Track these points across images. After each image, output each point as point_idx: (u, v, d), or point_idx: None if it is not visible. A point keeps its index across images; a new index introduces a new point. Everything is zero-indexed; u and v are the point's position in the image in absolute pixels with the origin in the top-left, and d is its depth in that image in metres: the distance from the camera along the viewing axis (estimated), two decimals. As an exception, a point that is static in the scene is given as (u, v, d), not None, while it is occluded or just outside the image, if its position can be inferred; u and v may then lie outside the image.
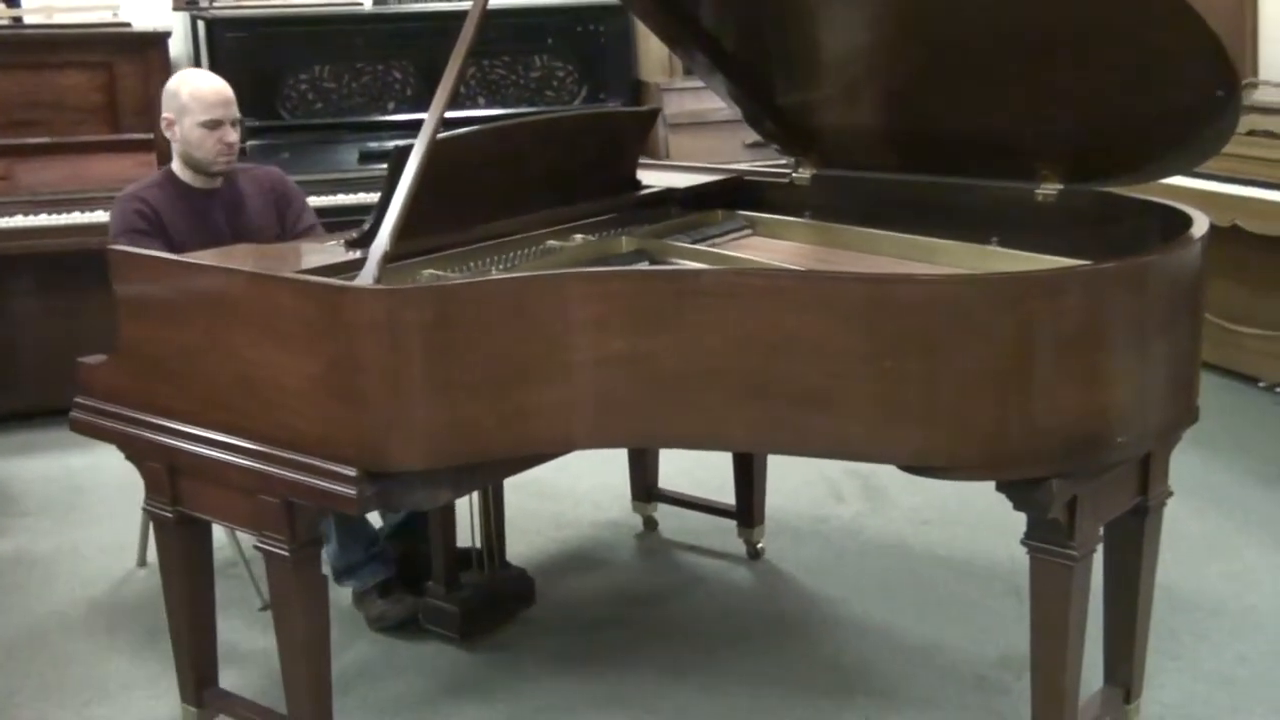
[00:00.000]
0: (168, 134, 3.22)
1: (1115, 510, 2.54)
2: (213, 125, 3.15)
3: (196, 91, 3.17)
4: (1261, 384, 4.74)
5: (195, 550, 2.74)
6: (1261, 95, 4.83)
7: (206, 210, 3.23)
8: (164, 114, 3.21)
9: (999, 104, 2.73)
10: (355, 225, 2.69)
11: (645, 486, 3.84)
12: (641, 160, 3.32)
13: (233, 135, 3.20)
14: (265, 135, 4.98)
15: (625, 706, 2.95)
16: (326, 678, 2.61)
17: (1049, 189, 2.78)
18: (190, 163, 3.22)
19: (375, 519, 3.36)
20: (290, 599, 2.52)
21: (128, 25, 5.15)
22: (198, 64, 5.22)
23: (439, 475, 2.38)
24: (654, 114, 3.40)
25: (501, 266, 2.77)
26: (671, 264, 2.80)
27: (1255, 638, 3.17)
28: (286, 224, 3.34)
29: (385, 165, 2.55)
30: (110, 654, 3.25)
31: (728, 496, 3.70)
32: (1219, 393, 4.68)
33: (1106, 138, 2.67)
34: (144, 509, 2.72)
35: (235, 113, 3.21)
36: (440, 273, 2.62)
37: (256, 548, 2.52)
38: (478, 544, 3.27)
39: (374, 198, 4.29)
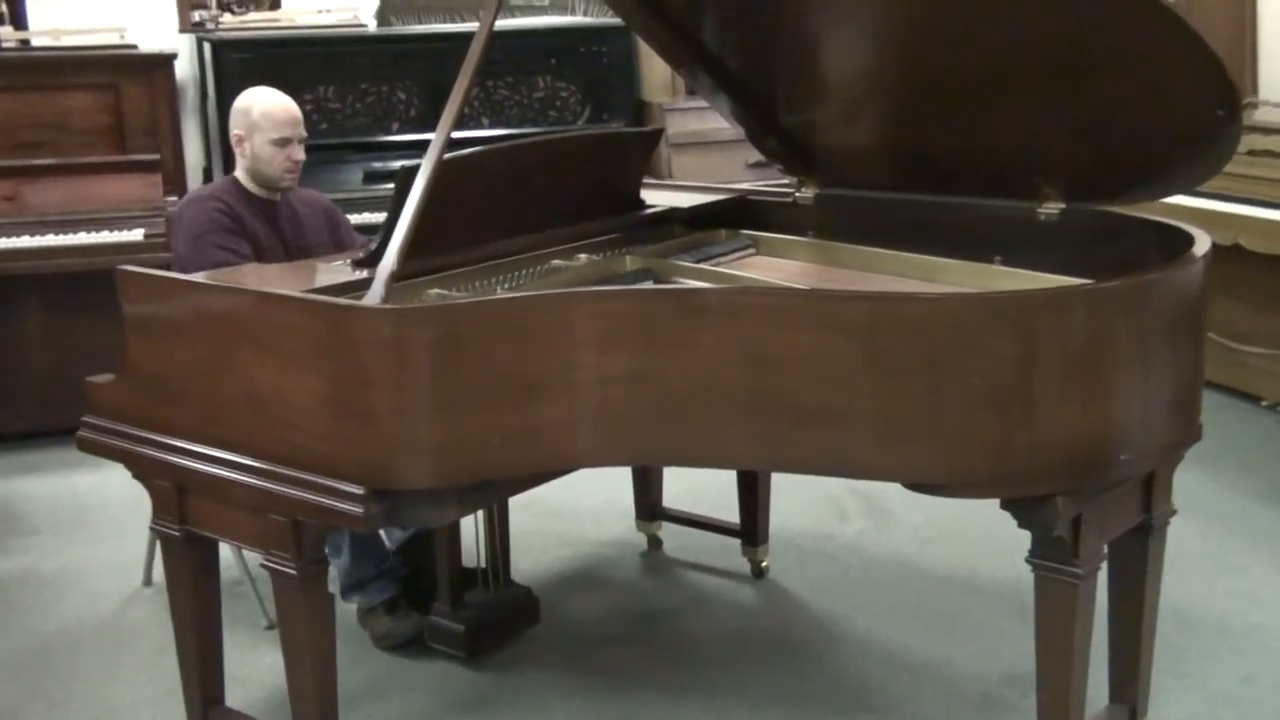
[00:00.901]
0: (237, 150, 3.30)
1: (1119, 528, 2.55)
2: (282, 143, 3.24)
3: (267, 110, 3.25)
4: (1264, 403, 4.75)
5: (202, 569, 2.75)
6: (1262, 115, 4.85)
7: (274, 219, 3.32)
8: (234, 130, 3.29)
9: (1001, 124, 2.74)
10: (363, 238, 2.71)
11: (649, 505, 3.85)
12: (645, 180, 3.33)
13: (300, 153, 3.28)
14: (271, 156, 4.99)
15: (630, 725, 2.96)
16: (332, 696, 2.61)
17: (1051, 208, 2.80)
18: (258, 178, 3.30)
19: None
20: (297, 617, 2.53)
21: (134, 47, 5.17)
22: (203, 86, 5.26)
23: (445, 493, 2.38)
24: (658, 134, 3.42)
25: (507, 286, 2.78)
26: (675, 283, 2.81)
27: (1261, 656, 3.16)
28: (344, 245, 3.40)
29: (389, 185, 2.58)
30: (117, 672, 3.25)
31: (732, 515, 3.71)
32: (1221, 411, 4.69)
33: (1108, 157, 2.68)
34: (151, 528, 2.73)
35: (303, 131, 3.29)
36: (446, 292, 2.64)
37: (263, 566, 2.53)
38: (483, 563, 3.27)
39: (378, 217, 4.31)
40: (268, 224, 3.30)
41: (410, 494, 2.35)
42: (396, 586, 3.29)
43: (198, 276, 2.66)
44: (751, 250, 3.19)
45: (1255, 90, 5.17)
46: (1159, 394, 2.38)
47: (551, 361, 2.31)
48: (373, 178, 4.99)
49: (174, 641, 2.82)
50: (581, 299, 2.35)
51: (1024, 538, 2.42)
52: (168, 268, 3.21)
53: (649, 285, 2.79)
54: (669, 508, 3.87)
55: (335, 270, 2.70)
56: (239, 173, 3.33)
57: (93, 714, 3.07)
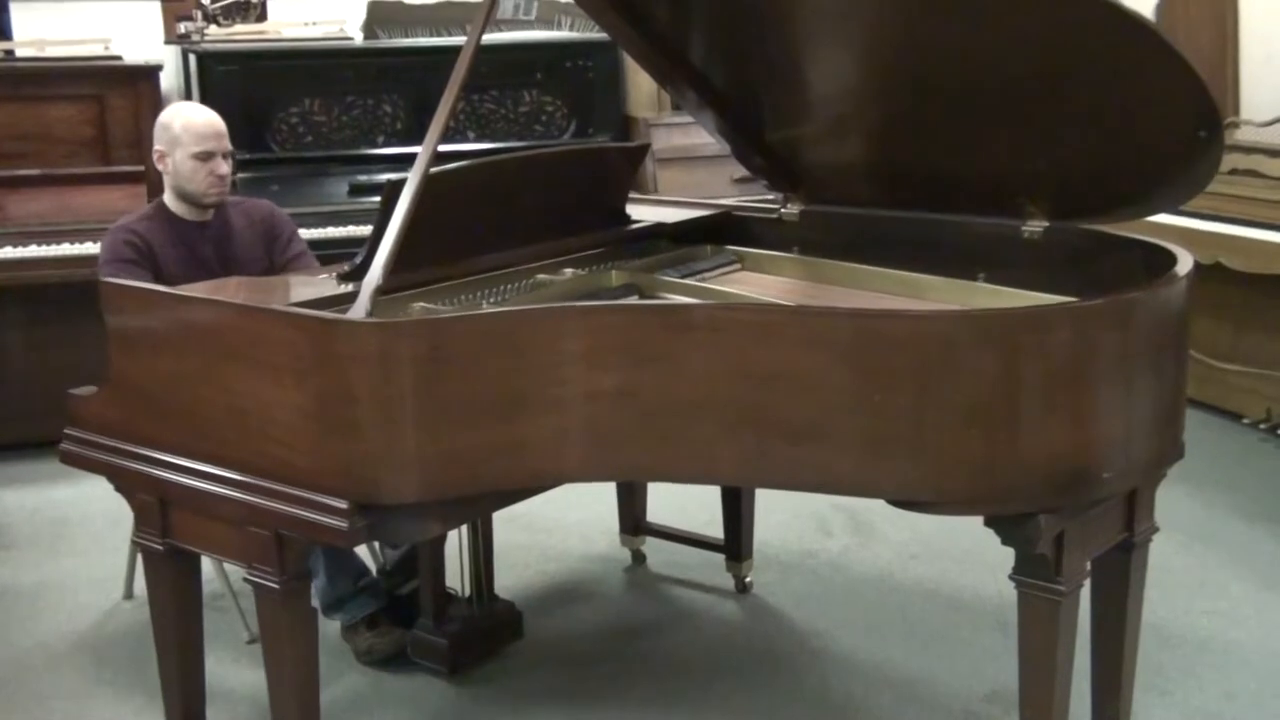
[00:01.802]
0: (160, 166, 3.24)
1: (1102, 545, 2.56)
2: (205, 157, 3.18)
3: (189, 124, 3.19)
4: (1245, 420, 4.77)
5: (184, 583, 2.74)
6: (1243, 135, 4.88)
7: (196, 242, 3.25)
8: (156, 147, 3.23)
9: (986, 142, 2.76)
10: (345, 258, 2.71)
11: (633, 520, 3.84)
12: (631, 195, 3.34)
13: (224, 167, 3.22)
14: (255, 168, 4.99)
15: (613, 741, 2.95)
16: (314, 711, 2.60)
17: (1035, 226, 2.81)
18: (182, 195, 3.24)
19: (364, 554, 3.35)
20: (279, 631, 2.52)
21: (119, 59, 5.17)
22: (188, 97, 5.24)
23: (429, 508, 2.38)
24: (644, 149, 3.43)
25: (492, 300, 2.78)
26: (661, 298, 2.81)
27: (1242, 674, 3.17)
28: (274, 256, 3.36)
29: (375, 198, 2.58)
30: (96, 687, 3.23)
31: (716, 530, 3.71)
32: (1203, 429, 4.70)
33: (1092, 176, 2.70)
34: (133, 541, 2.72)
35: (227, 145, 3.23)
36: (431, 306, 2.63)
37: (246, 580, 2.52)
38: (466, 577, 3.26)
39: (363, 230, 4.30)
40: (189, 249, 3.22)
41: (394, 509, 2.34)
42: (378, 602, 3.27)
43: (182, 289, 2.65)
44: (737, 266, 3.20)
45: (1236, 110, 5.20)
46: (1141, 412, 2.40)
47: (537, 376, 2.31)
48: (358, 190, 4.98)
49: (155, 656, 2.81)
50: (567, 314, 2.35)
51: (1007, 555, 2.42)
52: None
53: (634, 300, 2.79)
54: (653, 523, 3.86)
55: (320, 283, 2.70)
56: (165, 194, 3.27)
57: (72, 728, 3.06)
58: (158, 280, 3.08)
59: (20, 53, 5.17)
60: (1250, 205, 4.62)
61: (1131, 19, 2.29)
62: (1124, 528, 2.60)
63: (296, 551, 2.46)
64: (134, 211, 3.34)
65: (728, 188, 5.09)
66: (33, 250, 4.62)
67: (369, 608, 3.26)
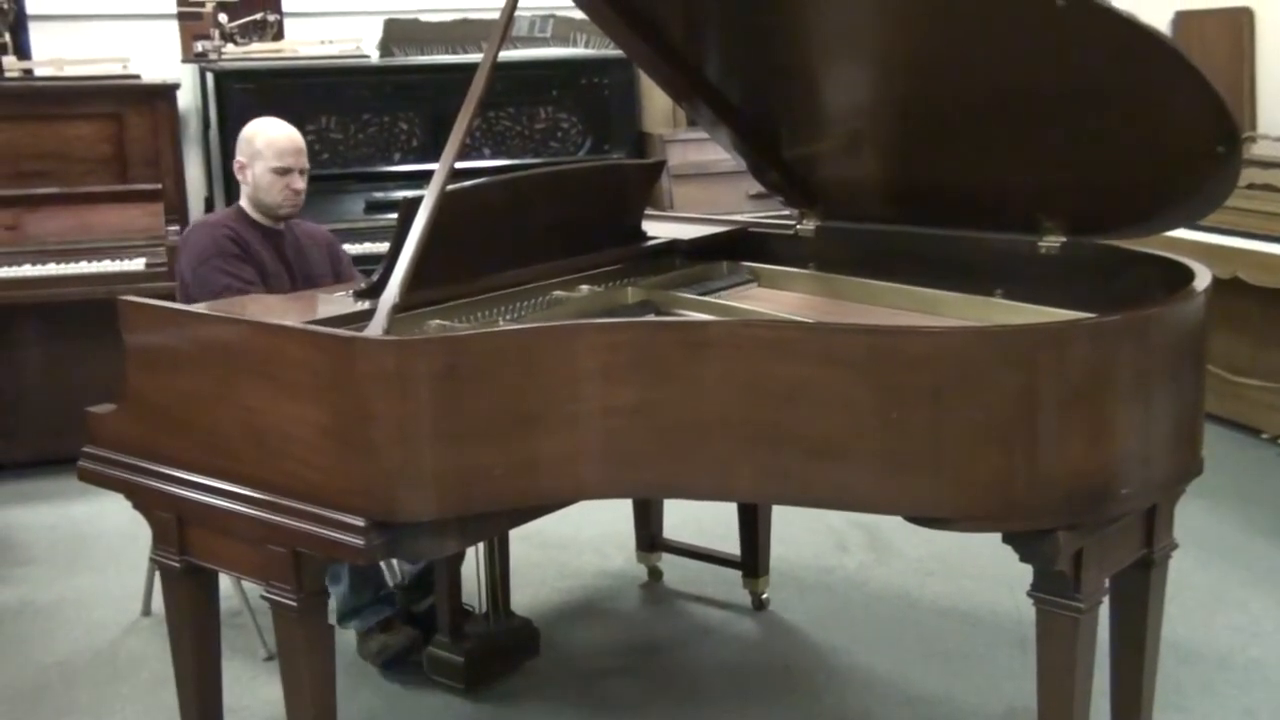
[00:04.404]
0: (239, 177, 3.35)
1: (1121, 562, 2.54)
2: (283, 172, 3.28)
3: (271, 139, 3.30)
4: (1264, 435, 4.75)
5: (202, 600, 2.74)
6: (1260, 149, 4.87)
7: (280, 246, 3.36)
8: (238, 158, 3.35)
9: (1002, 157, 2.76)
10: (362, 275, 2.71)
11: (650, 536, 3.84)
12: (647, 211, 3.34)
13: (300, 183, 3.32)
14: (272, 185, 5.00)
15: (630, 758, 2.95)
16: (332, 728, 2.60)
17: (1052, 241, 2.80)
18: (259, 206, 3.34)
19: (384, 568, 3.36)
20: (296, 649, 2.52)
21: (137, 77, 5.19)
22: (206, 116, 5.28)
23: (447, 525, 2.38)
24: (660, 166, 3.43)
25: (509, 317, 2.79)
26: (677, 315, 2.81)
27: (1262, 691, 3.15)
28: (343, 278, 3.42)
29: (391, 215, 2.59)
30: (115, 704, 3.24)
31: (732, 546, 3.70)
32: (1222, 444, 4.68)
33: (1109, 191, 2.69)
34: (151, 558, 2.73)
35: (305, 162, 3.33)
36: (448, 323, 2.64)
37: (264, 597, 2.52)
38: (483, 594, 3.26)
39: (380, 247, 4.31)
40: (274, 251, 3.33)
41: (411, 526, 2.34)
42: (390, 609, 3.29)
43: (199, 307, 2.66)
44: (753, 282, 3.20)
45: (1254, 125, 5.20)
46: (1160, 428, 2.38)
47: (554, 393, 2.31)
48: (375, 208, 5.00)
49: (172, 672, 2.81)
50: (584, 331, 2.35)
51: (1025, 571, 2.41)
52: (170, 297, 3.22)
53: (651, 317, 2.79)
54: (669, 539, 3.86)
55: (337, 301, 2.70)
56: (243, 201, 3.37)
57: (90, 745, 3.07)
58: (259, 275, 3.21)
59: (39, 72, 5.19)
60: (1268, 220, 4.61)
61: (1149, 35, 2.29)
62: (1143, 544, 2.58)
63: (314, 569, 2.46)
64: (210, 214, 3.41)
65: (743, 204, 5.10)
66: (51, 268, 4.64)
67: (383, 614, 3.28)
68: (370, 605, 3.27)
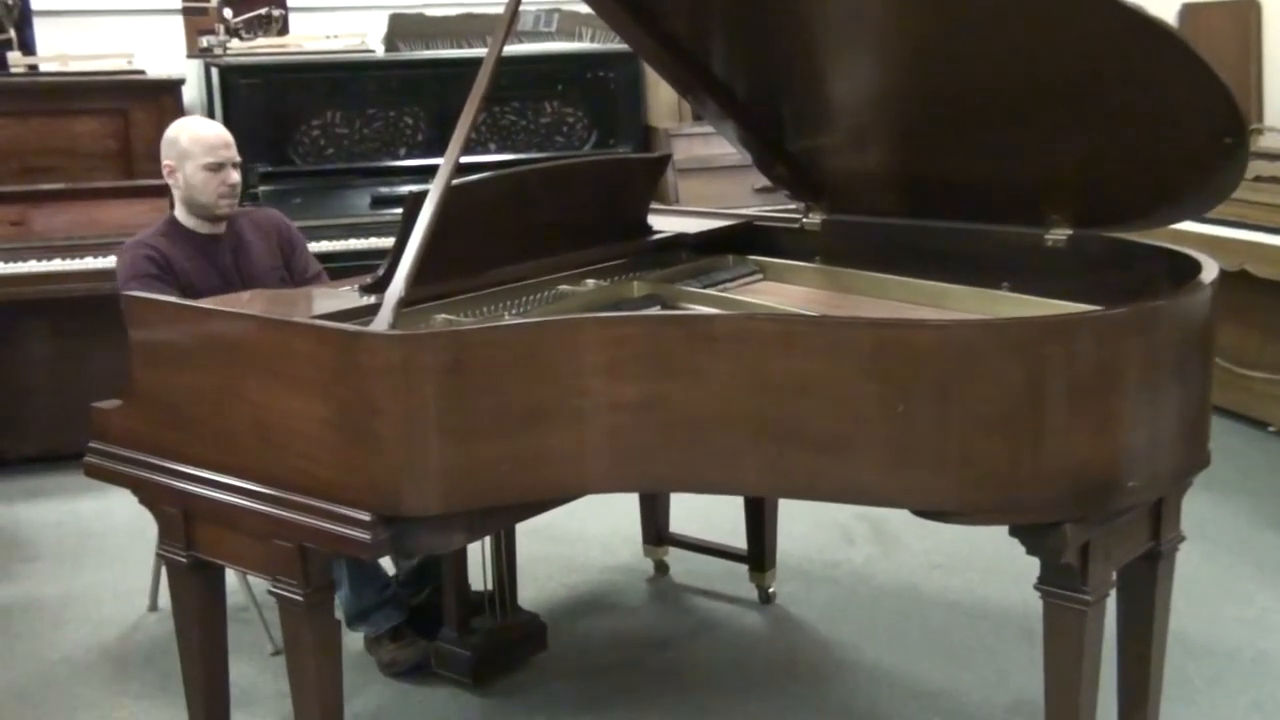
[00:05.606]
0: (169, 181, 3.27)
1: (1128, 555, 2.54)
2: (215, 167, 3.20)
3: (196, 136, 3.22)
4: (1271, 428, 4.74)
5: (209, 595, 2.75)
6: (1267, 141, 4.86)
7: (214, 254, 3.26)
8: (165, 162, 3.25)
9: (1009, 150, 2.75)
10: (367, 270, 2.71)
11: (656, 530, 3.84)
12: (652, 205, 3.34)
13: (235, 176, 3.24)
14: (277, 181, 5.02)
15: (637, 752, 2.95)
16: (339, 723, 2.60)
17: (1059, 234, 2.80)
18: (194, 208, 3.25)
19: (387, 564, 3.36)
20: (303, 644, 2.52)
21: (142, 73, 5.20)
22: (211, 110, 5.28)
23: (453, 520, 2.38)
24: (665, 160, 3.43)
25: (514, 311, 2.79)
26: (683, 309, 2.81)
27: (1270, 683, 3.15)
28: (294, 269, 3.37)
29: (397, 210, 2.58)
30: (122, 700, 3.24)
31: (739, 540, 3.70)
32: (1229, 436, 4.68)
33: (1116, 184, 2.68)
34: (158, 554, 2.73)
35: (235, 155, 3.25)
36: (454, 318, 2.64)
37: (270, 592, 2.53)
38: (489, 589, 3.26)
39: (385, 242, 4.31)
40: (206, 260, 3.23)
41: (417, 520, 2.34)
42: (401, 614, 3.28)
43: (205, 302, 2.66)
44: (759, 276, 3.19)
45: (1260, 117, 5.18)
46: (1167, 421, 2.38)
47: (560, 387, 2.31)
48: (380, 203, 5.00)
49: (180, 668, 2.82)
50: (590, 325, 2.35)
51: (1032, 564, 2.41)
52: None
53: (657, 311, 2.79)
54: (676, 533, 3.86)
55: (343, 295, 2.70)
56: (176, 209, 3.29)
57: (97, 740, 3.07)
58: (182, 294, 3.09)
59: (44, 67, 5.20)
60: (1275, 212, 4.60)
61: (1156, 26, 2.28)
62: (1150, 537, 2.58)
63: (320, 564, 2.46)
64: (144, 230, 3.35)
65: (749, 197, 5.09)
66: (57, 264, 4.64)
67: (393, 620, 3.26)
68: (377, 608, 3.25)
